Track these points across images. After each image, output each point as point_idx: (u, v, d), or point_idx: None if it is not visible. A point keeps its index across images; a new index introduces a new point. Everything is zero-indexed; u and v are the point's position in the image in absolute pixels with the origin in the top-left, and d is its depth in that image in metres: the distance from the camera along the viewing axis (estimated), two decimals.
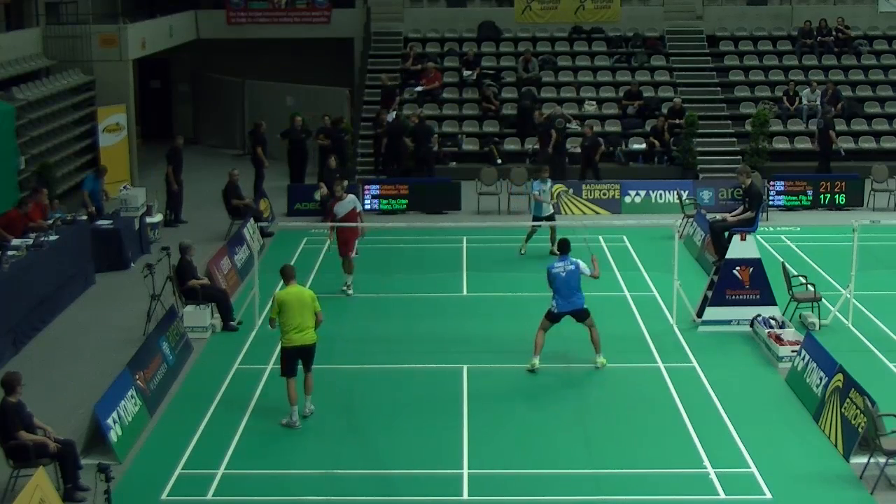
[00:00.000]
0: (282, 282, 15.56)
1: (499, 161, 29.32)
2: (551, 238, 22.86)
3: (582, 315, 16.81)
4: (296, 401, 14.80)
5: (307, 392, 15.06)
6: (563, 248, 17.14)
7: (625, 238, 24.30)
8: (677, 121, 30.56)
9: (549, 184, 23.05)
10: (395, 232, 24.50)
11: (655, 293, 20.47)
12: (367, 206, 27.19)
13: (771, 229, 24.94)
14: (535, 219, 22.79)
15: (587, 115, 32.17)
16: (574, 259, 16.82)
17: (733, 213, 19.29)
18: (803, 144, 31.12)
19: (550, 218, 22.91)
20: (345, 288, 20.55)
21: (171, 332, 17.00)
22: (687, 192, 26.68)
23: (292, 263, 22.39)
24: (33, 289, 18.64)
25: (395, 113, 29.98)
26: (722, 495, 13.01)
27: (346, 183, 22.11)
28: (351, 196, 21.05)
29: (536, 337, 16.81)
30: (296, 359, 14.81)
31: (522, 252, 23.05)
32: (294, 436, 14.67)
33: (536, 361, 16.71)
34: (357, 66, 35.22)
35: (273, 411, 15.36)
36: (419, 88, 32.37)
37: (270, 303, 15.27)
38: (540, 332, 16.81)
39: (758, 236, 19.96)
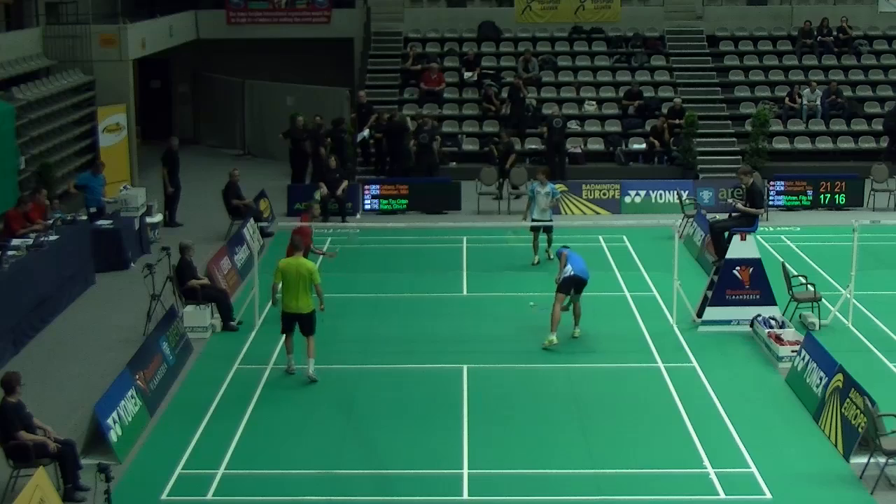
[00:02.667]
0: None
1: (499, 161, 29.28)
2: (548, 242, 22.55)
3: (581, 287, 17.57)
4: (291, 350, 16.58)
5: (309, 355, 16.29)
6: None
7: (625, 238, 24.30)
8: (677, 121, 30.56)
9: (548, 186, 22.04)
10: (395, 232, 24.49)
11: (655, 293, 20.47)
12: (367, 206, 27.21)
13: (771, 229, 24.94)
14: (533, 220, 22.31)
15: (587, 115, 32.18)
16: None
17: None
18: (803, 144, 31.14)
19: (548, 228, 22.14)
20: None
21: (171, 332, 17.00)
22: (687, 192, 26.67)
23: None
24: (33, 289, 18.63)
25: (367, 132, 29.50)
26: (722, 495, 13.01)
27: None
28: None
29: (553, 312, 17.32)
30: (292, 322, 16.44)
31: (534, 263, 22.36)
32: (294, 436, 14.67)
33: (554, 338, 17.32)
34: (357, 66, 35.22)
35: (273, 411, 15.38)
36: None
37: (275, 271, 16.54)
38: (556, 307, 17.38)
39: (758, 236, 19.95)
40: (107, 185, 25.14)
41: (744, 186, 19.85)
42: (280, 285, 16.46)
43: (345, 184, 26.29)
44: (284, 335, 16.67)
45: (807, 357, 15.79)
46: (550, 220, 22.17)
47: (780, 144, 31.06)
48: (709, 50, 34.73)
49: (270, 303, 17.81)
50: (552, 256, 22.22)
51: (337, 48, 35.98)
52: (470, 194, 27.36)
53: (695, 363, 17.09)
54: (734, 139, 31.38)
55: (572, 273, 17.49)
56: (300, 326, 16.43)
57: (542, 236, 22.44)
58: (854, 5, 35.79)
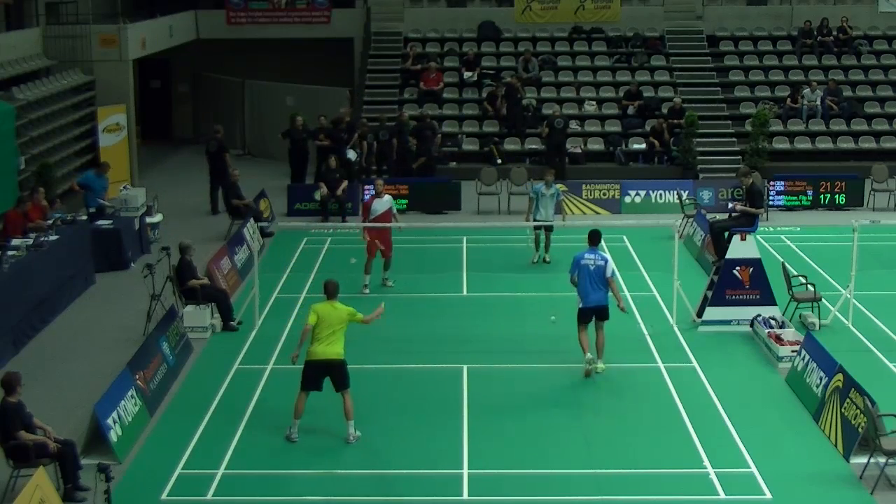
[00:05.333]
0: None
1: (499, 161, 29.32)
2: (545, 245, 22.53)
3: (603, 314, 16.52)
4: (300, 415, 14.33)
5: (347, 417, 14.34)
6: (595, 239, 16.68)
7: (625, 238, 24.29)
8: (677, 121, 30.57)
9: (552, 188, 22.21)
10: (396, 232, 24.41)
11: (655, 293, 20.47)
12: None
13: (771, 229, 24.94)
14: (535, 220, 22.37)
15: (587, 115, 32.19)
16: (605, 255, 16.61)
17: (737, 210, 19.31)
18: (803, 144, 31.14)
19: (548, 227, 22.13)
20: (386, 280, 21.03)
21: (171, 332, 17.00)
22: (687, 192, 26.67)
23: (293, 263, 22.61)
24: (33, 289, 18.63)
25: (352, 152, 29.16)
26: (722, 495, 13.02)
27: (382, 181, 22.13)
28: (388, 196, 21.00)
29: (580, 338, 16.53)
30: (317, 375, 14.25)
31: (534, 261, 22.46)
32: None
33: (590, 355, 16.43)
34: (357, 66, 35.23)
35: (273, 411, 15.36)
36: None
37: (309, 312, 14.40)
38: (581, 335, 16.55)
39: (758, 236, 19.96)
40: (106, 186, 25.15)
41: (744, 187, 19.86)
42: (312, 329, 14.13)
43: (345, 184, 26.30)
44: (301, 393, 14.27)
45: (807, 357, 15.79)
46: (552, 221, 22.20)
47: (780, 144, 31.06)
48: (709, 50, 34.74)
49: (295, 355, 14.45)
50: (549, 260, 22.29)
51: (337, 48, 35.99)
52: (470, 194, 27.36)
53: (695, 363, 17.09)
54: (734, 139, 31.37)
55: (583, 306, 16.47)
56: (332, 379, 14.21)
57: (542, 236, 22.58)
58: (854, 5, 35.80)
